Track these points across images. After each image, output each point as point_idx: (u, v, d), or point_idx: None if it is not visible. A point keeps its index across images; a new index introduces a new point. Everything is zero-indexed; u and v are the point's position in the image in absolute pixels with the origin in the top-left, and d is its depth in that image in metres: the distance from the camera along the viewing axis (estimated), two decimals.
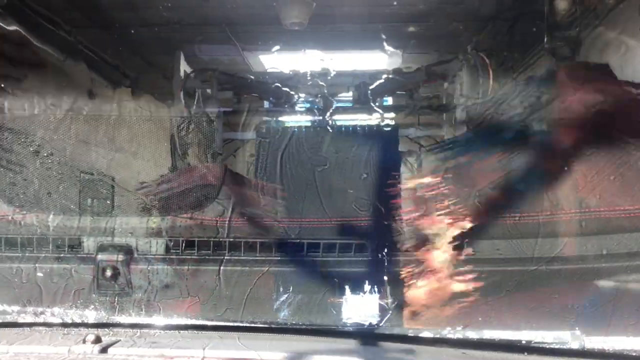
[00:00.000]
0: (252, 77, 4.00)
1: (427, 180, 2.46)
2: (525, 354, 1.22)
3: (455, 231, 2.02)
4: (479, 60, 3.16)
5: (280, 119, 3.76)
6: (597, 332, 1.24)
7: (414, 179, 2.45)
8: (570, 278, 1.60)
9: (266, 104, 3.94)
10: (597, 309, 1.47)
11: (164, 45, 4.01)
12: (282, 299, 1.90)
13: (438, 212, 2.17)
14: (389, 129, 3.08)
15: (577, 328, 1.24)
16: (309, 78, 3.64)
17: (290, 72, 3.78)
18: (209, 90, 3.97)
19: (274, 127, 3.54)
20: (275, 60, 3.99)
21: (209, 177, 2.88)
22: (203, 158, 3.73)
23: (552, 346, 1.20)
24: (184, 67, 4.12)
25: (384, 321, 1.72)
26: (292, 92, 3.77)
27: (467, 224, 2.06)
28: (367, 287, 1.94)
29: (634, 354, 1.17)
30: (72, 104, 3.27)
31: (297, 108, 3.60)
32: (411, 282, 2.01)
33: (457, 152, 2.44)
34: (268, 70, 4.19)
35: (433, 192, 2.38)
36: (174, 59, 4.04)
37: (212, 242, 2.09)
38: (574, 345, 1.19)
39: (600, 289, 1.50)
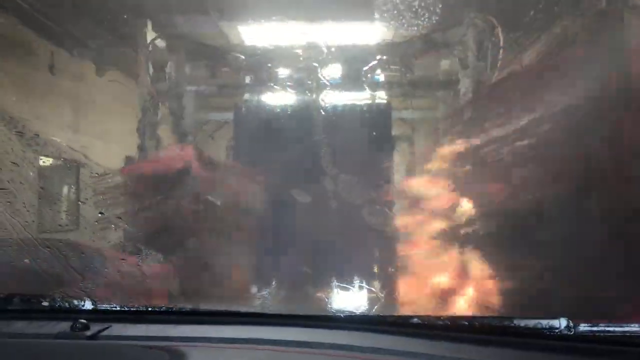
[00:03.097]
0: (230, 49, 4.07)
1: (422, 166, 2.62)
2: (517, 337, 1.38)
3: (449, 218, 2.20)
4: (488, 24, 3.15)
5: (261, 97, 3.84)
6: (587, 317, 1.40)
7: (408, 165, 2.62)
8: (562, 265, 1.78)
9: (246, 80, 4.02)
10: (587, 295, 1.66)
11: (130, 13, 4.04)
12: (271, 287, 2.06)
13: (432, 199, 2.34)
14: (380, 109, 3.21)
15: (567, 314, 1.39)
16: (292, 52, 3.72)
17: (273, 45, 3.86)
18: (179, 64, 4.04)
19: (254, 107, 3.64)
20: (256, 32, 4.06)
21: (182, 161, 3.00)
22: (173, 140, 3.82)
23: (543, 332, 1.36)
24: (151, 37, 4.17)
25: (375, 308, 1.90)
26: (274, 68, 3.84)
27: (462, 212, 2.22)
28: (358, 274, 2.12)
29: (622, 336, 1.33)
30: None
31: (279, 85, 3.68)
32: (404, 268, 2.19)
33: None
34: (247, 43, 4.24)
35: (428, 179, 2.55)
36: (140, 27, 4.08)
37: (198, 230, 2.22)
38: (565, 330, 1.34)
39: (589, 275, 1.69)
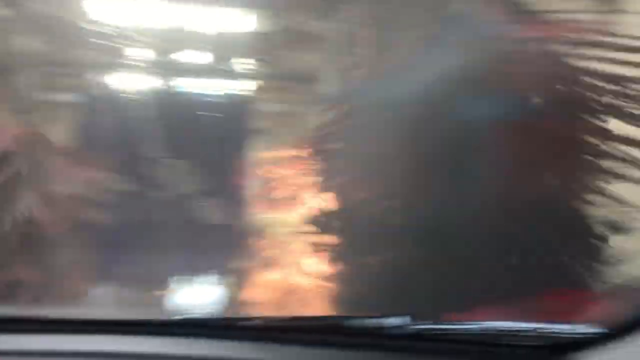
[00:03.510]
0: (80, 24, 3.77)
1: (279, 160, 2.57)
2: (358, 337, 1.35)
3: (302, 217, 2.15)
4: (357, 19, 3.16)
5: (112, 78, 3.60)
6: (429, 317, 1.41)
7: (264, 160, 2.55)
8: (406, 264, 1.81)
9: (97, 59, 3.74)
10: (428, 294, 1.70)
11: None
12: (92, 289, 1.87)
13: (287, 196, 2.29)
14: (239, 100, 3.14)
15: (407, 313, 1.39)
16: (151, 33, 3.54)
17: (130, 25, 3.64)
18: (18, 35, 3.66)
19: (103, 88, 3.40)
20: (112, 8, 3.80)
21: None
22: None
23: (382, 331, 1.34)
24: None
25: (213, 310, 1.80)
26: (130, 48, 3.62)
27: (317, 211, 2.19)
28: (202, 274, 2.00)
29: (461, 334, 1.35)
30: None
31: (133, 67, 3.47)
32: (255, 269, 2.11)
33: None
34: (101, 20, 3.96)
35: (284, 174, 2.50)
36: None
37: None
38: (403, 329, 1.34)
39: (431, 274, 1.74)
